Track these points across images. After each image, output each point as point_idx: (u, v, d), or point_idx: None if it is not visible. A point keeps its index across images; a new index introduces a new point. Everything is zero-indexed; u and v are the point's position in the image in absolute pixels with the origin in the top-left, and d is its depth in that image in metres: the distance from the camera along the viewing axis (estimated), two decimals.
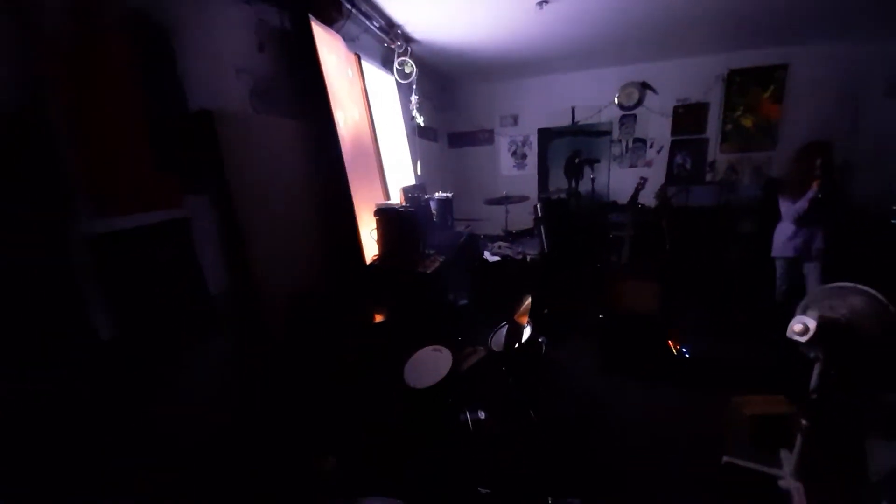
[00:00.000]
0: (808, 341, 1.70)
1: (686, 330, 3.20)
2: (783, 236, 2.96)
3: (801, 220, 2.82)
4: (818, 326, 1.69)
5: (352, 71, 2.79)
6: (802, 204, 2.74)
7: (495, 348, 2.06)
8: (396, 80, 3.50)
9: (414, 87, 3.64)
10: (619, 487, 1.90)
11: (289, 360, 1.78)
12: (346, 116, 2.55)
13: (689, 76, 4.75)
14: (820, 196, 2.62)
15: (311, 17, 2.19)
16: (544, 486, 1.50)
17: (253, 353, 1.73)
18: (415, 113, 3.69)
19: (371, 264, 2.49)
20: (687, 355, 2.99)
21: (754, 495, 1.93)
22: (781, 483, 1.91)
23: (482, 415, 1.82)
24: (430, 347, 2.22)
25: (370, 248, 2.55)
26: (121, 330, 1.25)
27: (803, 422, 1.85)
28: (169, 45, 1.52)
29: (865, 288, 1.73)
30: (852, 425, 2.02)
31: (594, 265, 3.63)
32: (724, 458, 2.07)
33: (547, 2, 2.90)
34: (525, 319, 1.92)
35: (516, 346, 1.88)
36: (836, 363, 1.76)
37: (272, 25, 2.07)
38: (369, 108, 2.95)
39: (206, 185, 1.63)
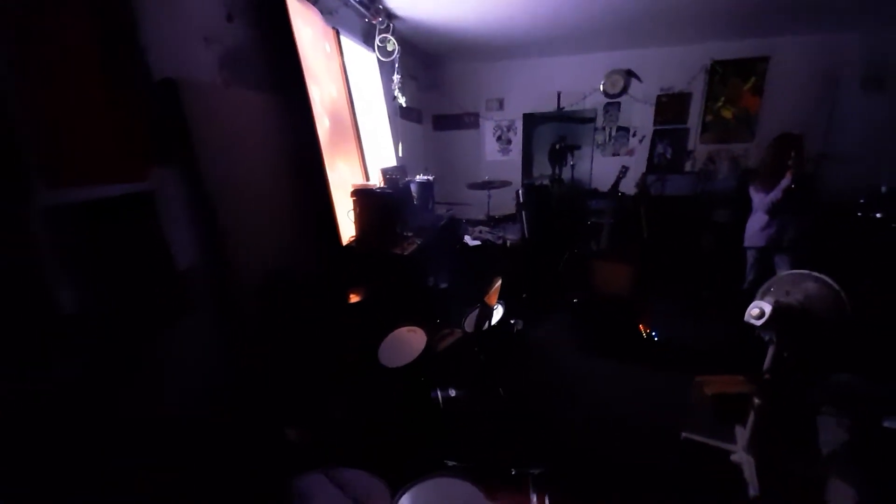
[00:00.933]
0: (763, 325, 1.79)
1: (657, 313, 3.32)
2: (756, 226, 3.06)
3: (773, 211, 2.90)
4: (773, 311, 1.77)
5: (329, 46, 2.71)
6: (776, 194, 2.82)
7: (468, 329, 2.09)
8: (378, 57, 3.42)
9: (396, 65, 3.56)
10: (582, 460, 1.99)
11: (262, 336, 1.78)
12: (323, 92, 2.49)
13: (673, 65, 4.78)
14: (793, 186, 2.70)
15: None
16: (508, 458, 1.56)
17: (226, 329, 1.72)
18: (397, 93, 3.62)
19: (348, 245, 2.47)
20: (656, 338, 3.11)
21: (710, 469, 2.04)
22: (734, 457, 2.03)
23: (453, 392, 1.86)
24: (405, 328, 2.24)
25: (348, 229, 2.54)
26: (82, 306, 1.23)
27: (756, 400, 1.96)
28: (129, 11, 1.45)
29: (820, 275, 1.82)
30: (803, 403, 2.15)
31: (572, 250, 3.69)
32: (683, 434, 2.19)
33: None
34: (494, 300, 1.96)
35: (486, 326, 1.92)
36: (789, 346, 1.85)
37: None
38: (348, 85, 2.88)
39: (172, 157, 1.58)
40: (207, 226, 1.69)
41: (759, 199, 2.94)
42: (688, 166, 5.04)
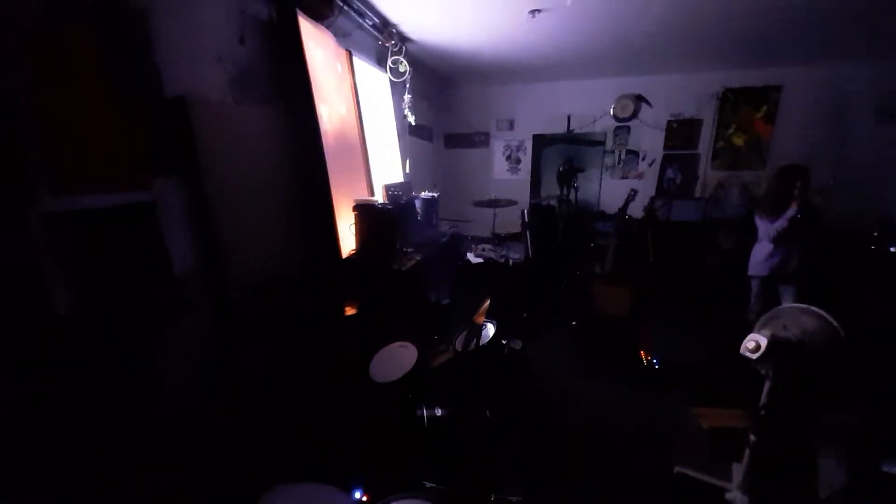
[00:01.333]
0: (758, 358, 1.75)
1: (657, 338, 3.25)
2: (760, 256, 3.01)
3: (778, 240, 2.86)
4: (769, 344, 1.73)
5: (342, 66, 2.82)
6: (782, 223, 2.78)
7: (458, 348, 2.09)
8: (390, 78, 3.53)
9: (408, 85, 3.67)
10: (568, 489, 1.94)
11: (257, 343, 1.81)
12: (332, 111, 2.58)
13: (684, 91, 4.80)
14: (799, 216, 2.67)
15: (299, 11, 2.22)
16: (489, 482, 1.54)
17: (221, 334, 1.77)
18: (407, 112, 3.72)
19: (348, 258, 2.52)
20: (656, 366, 3.04)
21: None
22: (728, 495, 1.95)
23: (438, 412, 1.86)
24: (398, 343, 2.25)
25: (349, 243, 2.59)
26: (81, 308, 1.29)
27: (752, 437, 1.89)
28: (144, 28, 1.55)
29: (818, 310, 1.77)
30: (801, 442, 2.06)
31: (573, 271, 3.67)
32: (676, 468, 2.12)
33: (539, 11, 2.94)
34: (481, 319, 1.96)
35: (474, 346, 1.92)
36: (784, 381, 1.80)
37: (257, 17, 2.11)
38: (358, 104, 2.98)
39: (176, 169, 1.66)
40: (206, 234, 1.75)
41: (765, 228, 2.90)
42: (697, 192, 5.00)
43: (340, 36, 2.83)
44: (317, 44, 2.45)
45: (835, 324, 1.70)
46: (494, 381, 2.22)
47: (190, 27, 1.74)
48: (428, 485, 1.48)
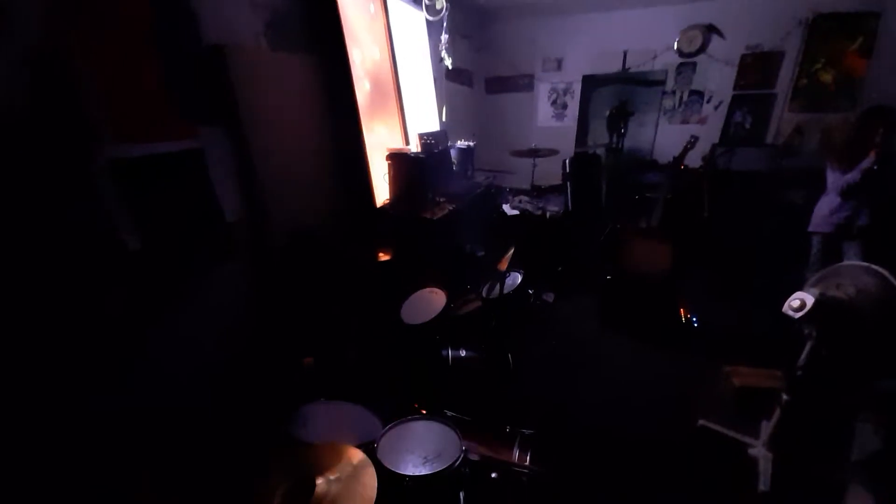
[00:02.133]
0: (801, 318, 1.65)
1: (700, 296, 3.12)
2: (824, 210, 2.72)
3: (847, 193, 2.56)
4: (815, 303, 1.62)
5: (374, 6, 2.72)
6: (854, 175, 2.46)
7: (485, 295, 2.16)
8: (426, 16, 3.36)
9: (444, 24, 3.48)
10: (580, 428, 2.03)
11: (291, 285, 1.99)
12: (364, 55, 2.54)
13: (764, 18, 4.12)
14: (875, 168, 2.34)
15: None
16: (506, 417, 1.65)
17: (260, 273, 1.95)
18: (444, 54, 3.56)
19: (382, 207, 2.60)
20: (695, 324, 2.95)
21: (724, 459, 1.99)
22: (752, 451, 1.95)
23: (463, 353, 1.97)
24: (428, 289, 2.36)
25: (383, 191, 2.66)
26: (143, 244, 1.47)
27: (784, 396, 1.84)
28: None
29: (880, 269, 1.61)
30: (837, 406, 1.97)
31: (614, 225, 3.53)
32: (700, 421, 2.12)
33: None
34: (504, 266, 1.99)
35: (498, 293, 1.97)
36: (828, 343, 1.69)
37: None
38: (392, 47, 2.89)
39: (218, 118, 1.76)
40: (249, 182, 1.88)
41: (834, 180, 2.59)
42: (769, 138, 4.45)
43: None
44: None
45: (894, 282, 1.55)
46: (519, 328, 2.28)
47: None
48: (449, 413, 1.61)
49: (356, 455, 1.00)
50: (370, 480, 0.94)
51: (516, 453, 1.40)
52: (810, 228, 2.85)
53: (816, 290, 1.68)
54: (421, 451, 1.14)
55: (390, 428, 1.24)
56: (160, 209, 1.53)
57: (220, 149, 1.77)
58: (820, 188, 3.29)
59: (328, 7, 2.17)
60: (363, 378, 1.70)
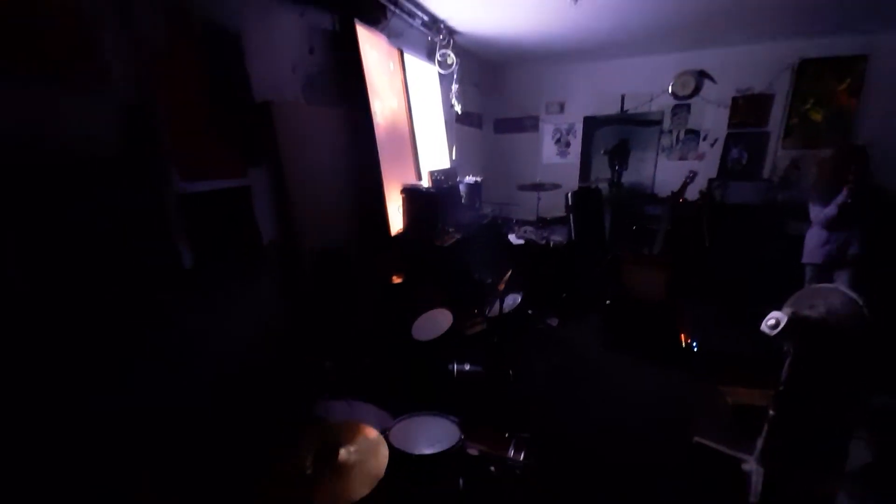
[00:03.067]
0: (776, 335, 1.80)
1: (700, 321, 3.24)
2: (814, 241, 2.87)
3: (831, 226, 2.73)
4: (788, 321, 1.77)
5: (393, 64, 3.15)
6: (831, 209, 2.65)
7: (489, 315, 2.37)
8: (438, 70, 3.79)
9: (455, 76, 3.91)
10: (577, 440, 2.15)
11: (316, 299, 2.25)
12: (384, 105, 2.93)
13: (752, 65, 4.46)
14: (849, 202, 2.52)
15: (357, 20, 2.56)
16: (505, 423, 1.82)
17: (289, 291, 2.22)
18: (454, 101, 3.97)
19: (396, 235, 2.89)
20: (695, 348, 3.06)
21: (719, 476, 2.07)
22: (745, 466, 2.03)
23: (467, 367, 2.16)
24: (437, 310, 2.59)
25: (397, 222, 2.95)
26: (195, 263, 1.76)
27: (770, 411, 1.94)
28: (239, 48, 1.97)
29: (846, 290, 1.78)
30: (826, 421, 2.05)
31: (614, 253, 3.72)
32: (695, 439, 2.22)
33: None
34: (502, 287, 2.20)
35: (499, 311, 2.18)
36: (806, 359, 1.82)
37: (323, 29, 2.48)
38: (408, 97, 3.29)
39: (263, 160, 2.10)
40: (284, 211, 2.19)
41: (816, 213, 2.76)
42: (766, 172, 4.66)
43: (393, 37, 3.14)
44: (371, 46, 2.79)
45: (860, 302, 1.70)
46: (523, 348, 2.46)
47: (271, 44, 2.15)
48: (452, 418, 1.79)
49: (372, 433, 1.20)
50: (383, 453, 1.14)
51: (512, 451, 1.57)
52: (803, 260, 2.99)
53: (790, 310, 1.85)
54: (425, 438, 1.33)
55: (400, 420, 1.43)
56: (211, 234, 1.83)
57: (262, 185, 2.10)
58: None
59: (354, 69, 2.57)
60: (376, 382, 1.91)
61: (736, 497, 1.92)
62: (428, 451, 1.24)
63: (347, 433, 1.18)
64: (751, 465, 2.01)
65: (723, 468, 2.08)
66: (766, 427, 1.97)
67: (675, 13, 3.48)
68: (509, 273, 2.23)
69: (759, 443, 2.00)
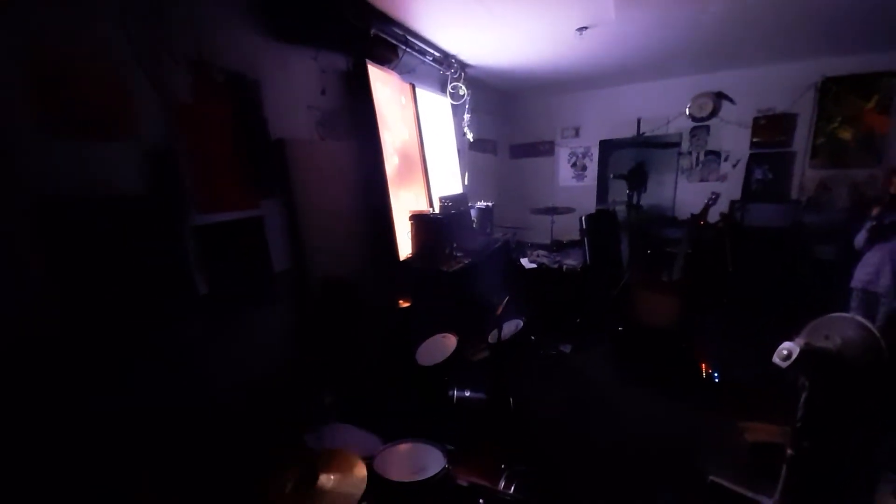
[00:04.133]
0: (788, 367, 1.70)
1: (720, 350, 3.08)
2: (860, 265, 2.73)
3: (867, 248, 2.59)
4: (801, 353, 1.68)
5: (405, 98, 3.32)
6: (862, 233, 2.52)
7: (491, 341, 2.37)
8: (451, 102, 3.95)
9: (467, 106, 4.06)
10: (578, 479, 2.08)
11: (323, 324, 2.34)
12: (395, 137, 3.08)
13: (774, 85, 4.36)
14: (874, 223, 2.39)
15: (368, 61, 2.74)
16: (503, 455, 1.80)
17: (298, 319, 2.32)
18: (466, 130, 4.10)
19: (404, 260, 2.97)
20: (716, 379, 2.91)
21: None
22: None
23: (467, 393, 2.16)
24: (441, 335, 2.61)
25: (407, 247, 3.04)
26: (210, 289, 1.89)
27: (788, 451, 1.81)
28: (257, 93, 2.17)
29: (861, 319, 1.68)
30: (848, 462, 1.89)
31: (628, 278, 3.64)
32: (711, 478, 2.09)
33: (586, 28, 3.08)
34: (500, 312, 2.21)
35: (497, 337, 2.18)
36: (821, 393, 1.71)
37: (336, 70, 2.68)
38: (419, 128, 3.44)
39: (276, 192, 2.26)
40: (295, 240, 2.33)
41: (857, 237, 2.65)
42: (794, 193, 4.47)
43: (405, 73, 3.33)
44: (383, 84, 2.97)
45: (876, 335, 1.60)
46: (526, 373, 2.43)
47: (287, 86, 2.34)
48: (448, 447, 1.79)
49: (354, 459, 1.24)
50: (361, 479, 1.17)
51: (502, 484, 1.55)
52: (851, 284, 2.84)
53: (803, 340, 1.75)
54: (410, 465, 1.35)
55: (387, 446, 1.46)
56: (224, 262, 1.97)
57: (275, 215, 2.24)
58: (848, 243, 3.27)
59: (366, 105, 2.73)
60: (376, 408, 1.94)
61: None
62: (408, 478, 1.26)
63: (329, 459, 1.22)
64: None
65: None
66: (784, 468, 1.84)
67: (685, 39, 3.50)
68: (506, 299, 2.24)
69: (779, 485, 1.87)
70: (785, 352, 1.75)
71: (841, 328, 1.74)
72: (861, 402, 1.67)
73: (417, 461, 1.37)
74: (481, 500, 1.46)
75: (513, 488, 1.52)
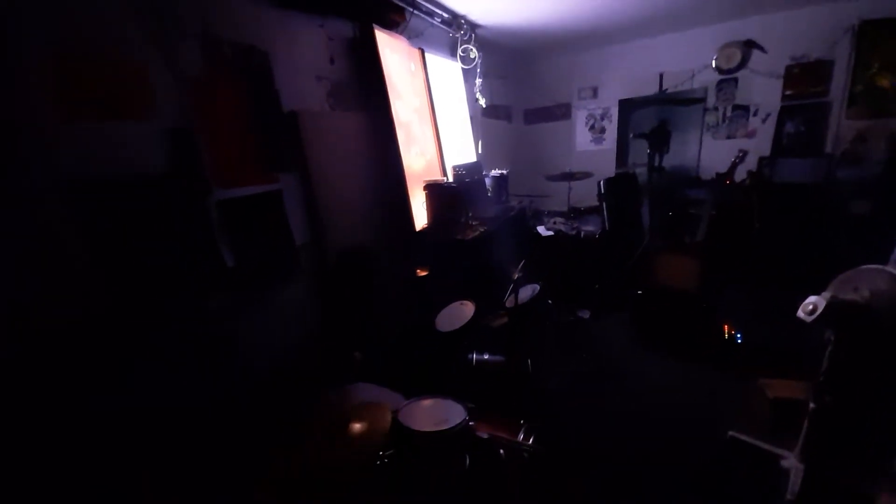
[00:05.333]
0: (814, 321, 1.67)
1: (744, 312, 3.04)
2: None
3: None
4: (827, 306, 1.64)
5: (415, 65, 3.24)
6: None
7: (508, 305, 2.41)
8: (461, 66, 3.84)
9: (478, 70, 3.93)
10: (594, 436, 2.13)
11: (344, 293, 2.42)
12: (406, 105, 3.03)
13: (807, 30, 4.03)
14: None
15: (375, 25, 2.68)
16: (521, 413, 1.86)
17: (320, 287, 2.40)
18: (478, 95, 4.00)
19: (420, 230, 2.99)
20: (739, 340, 2.88)
21: (755, 473, 1.97)
22: (784, 462, 1.91)
23: (486, 356, 2.22)
24: (459, 302, 2.66)
25: (422, 217, 3.05)
26: (237, 262, 1.97)
27: (811, 404, 1.81)
28: (267, 65, 2.16)
29: (893, 270, 1.61)
30: (872, 417, 1.87)
31: (648, 243, 3.58)
32: (730, 433, 2.11)
33: None
34: (515, 277, 2.23)
35: (513, 301, 2.22)
36: (848, 346, 1.68)
37: (343, 36, 2.63)
38: (430, 94, 3.37)
39: (293, 165, 2.29)
40: (313, 213, 2.37)
41: None
42: (829, 147, 4.21)
43: (414, 37, 3.24)
44: (392, 50, 2.90)
45: None
46: (545, 337, 2.47)
47: (296, 56, 2.32)
48: (469, 405, 1.86)
49: (383, 410, 1.31)
50: (386, 425, 1.25)
51: (521, 436, 1.61)
52: None
53: (829, 294, 1.71)
54: (433, 417, 1.42)
55: (411, 401, 1.54)
56: (248, 235, 2.04)
57: (293, 189, 2.28)
58: (885, 198, 3.10)
59: (375, 74, 2.69)
60: (399, 370, 2.02)
61: (771, 495, 1.82)
62: (431, 429, 1.33)
63: (361, 410, 1.30)
64: (790, 461, 1.90)
65: (759, 465, 1.98)
66: (806, 422, 1.85)
67: None
68: (522, 263, 2.25)
69: (800, 439, 1.88)
70: (811, 306, 1.71)
71: (871, 280, 1.69)
72: (889, 355, 1.63)
73: (440, 414, 1.44)
74: (501, 451, 1.53)
75: (531, 440, 1.57)
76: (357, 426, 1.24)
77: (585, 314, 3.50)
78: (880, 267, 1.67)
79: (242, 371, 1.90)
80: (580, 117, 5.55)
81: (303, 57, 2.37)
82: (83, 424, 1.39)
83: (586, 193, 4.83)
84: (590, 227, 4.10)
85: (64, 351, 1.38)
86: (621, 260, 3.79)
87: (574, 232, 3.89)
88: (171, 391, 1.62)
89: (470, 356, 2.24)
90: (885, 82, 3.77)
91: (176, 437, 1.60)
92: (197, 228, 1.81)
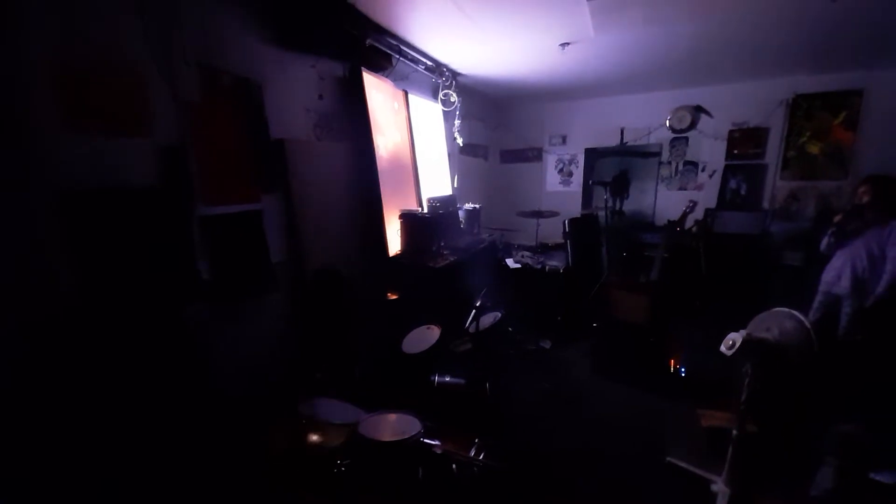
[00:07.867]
0: (732, 355, 1.91)
1: (693, 346, 3.29)
2: (826, 269, 2.95)
3: (829, 253, 2.85)
4: (743, 342, 1.89)
5: (398, 104, 3.51)
6: (825, 239, 2.76)
7: (470, 331, 2.56)
8: (442, 108, 4.15)
9: (457, 112, 4.26)
10: (544, 455, 2.26)
11: (317, 311, 2.51)
12: (387, 140, 3.26)
13: (748, 100, 4.63)
14: (835, 229, 2.63)
15: (363, 68, 2.93)
16: (477, 431, 1.97)
17: (292, 306, 2.49)
18: (456, 135, 4.30)
19: (393, 256, 3.14)
20: (683, 373, 3.12)
21: (689, 497, 2.13)
22: (713, 487, 2.09)
23: (448, 379, 2.34)
24: (426, 326, 2.79)
25: (396, 244, 3.21)
26: (213, 276, 2.06)
27: (734, 432, 2.01)
28: (260, 96, 2.34)
29: (796, 314, 1.88)
30: (802, 447, 2.09)
31: (606, 279, 3.86)
32: (667, 459, 2.28)
33: (568, 44, 3.31)
34: (478, 301, 2.40)
35: (473, 327, 2.37)
36: (761, 378, 1.91)
37: (333, 76, 2.86)
38: (411, 132, 3.63)
39: (276, 188, 2.43)
40: (291, 233, 2.49)
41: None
42: (766, 203, 4.73)
43: (399, 80, 3.52)
44: (377, 90, 3.16)
45: (807, 327, 1.81)
46: (505, 363, 2.62)
47: (287, 90, 2.52)
48: (427, 423, 1.96)
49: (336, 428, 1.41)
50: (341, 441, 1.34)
51: (473, 452, 1.73)
52: (819, 288, 3.04)
53: (745, 332, 1.96)
54: (391, 430, 1.53)
55: (372, 414, 1.64)
56: (226, 251, 2.14)
57: (273, 210, 2.41)
58: (815, 251, 3.50)
59: (360, 110, 2.92)
60: (363, 389, 2.11)
61: None
62: (388, 439, 1.43)
63: (320, 423, 1.40)
64: (718, 485, 2.07)
65: (693, 489, 2.14)
66: (730, 447, 2.04)
67: (663, 56, 3.73)
68: (484, 290, 2.43)
69: (726, 464, 2.07)
70: (731, 342, 1.95)
71: (780, 321, 1.95)
72: (796, 385, 1.87)
73: (397, 427, 1.55)
74: (454, 465, 1.64)
75: (482, 456, 1.69)
76: (315, 437, 1.33)
77: (547, 344, 3.68)
78: (789, 310, 1.94)
79: (213, 379, 1.95)
80: (550, 161, 5.98)
81: (294, 91, 2.57)
82: (50, 431, 1.41)
83: (554, 231, 5.15)
84: (554, 262, 4.36)
85: (40, 354, 1.42)
86: (582, 294, 4.03)
87: (540, 266, 4.13)
88: (140, 396, 1.65)
89: (433, 377, 2.35)
90: (815, 149, 4.33)
91: (145, 442, 1.62)
92: (178, 241, 1.91)
